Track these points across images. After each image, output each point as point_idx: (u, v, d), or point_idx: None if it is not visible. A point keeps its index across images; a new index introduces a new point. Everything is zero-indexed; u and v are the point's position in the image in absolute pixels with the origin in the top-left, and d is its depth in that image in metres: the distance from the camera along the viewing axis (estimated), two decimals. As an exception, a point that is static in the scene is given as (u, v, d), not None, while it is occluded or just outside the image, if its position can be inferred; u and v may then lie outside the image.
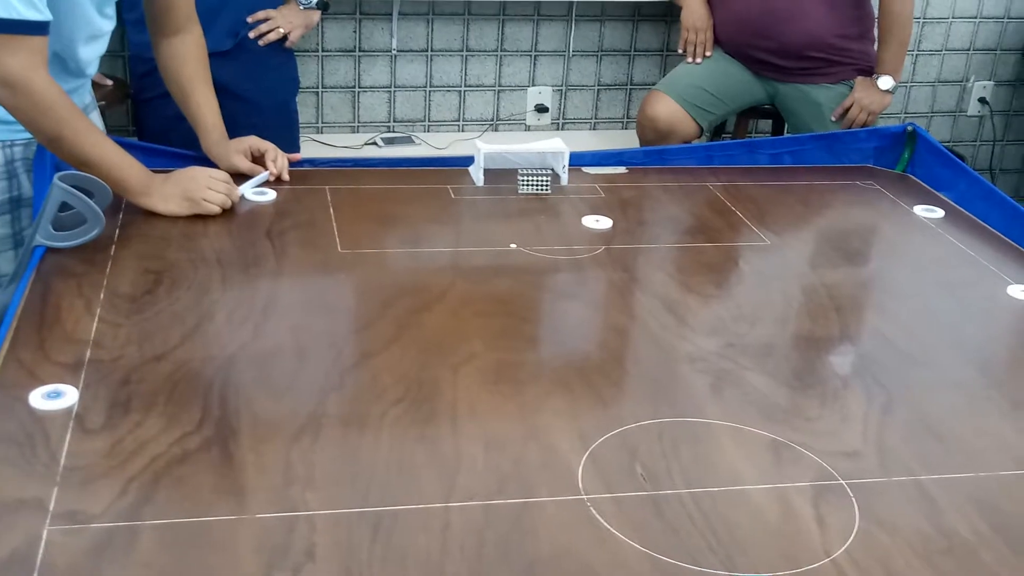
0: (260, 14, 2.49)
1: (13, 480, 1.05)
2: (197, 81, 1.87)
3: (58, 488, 1.04)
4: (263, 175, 1.83)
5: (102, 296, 1.41)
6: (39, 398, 1.17)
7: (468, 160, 1.93)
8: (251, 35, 2.49)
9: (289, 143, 2.29)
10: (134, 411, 1.17)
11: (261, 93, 2.51)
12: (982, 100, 3.76)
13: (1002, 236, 1.79)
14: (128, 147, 1.73)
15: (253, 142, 1.87)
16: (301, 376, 1.27)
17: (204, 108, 1.87)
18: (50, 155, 1.66)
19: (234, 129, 2.50)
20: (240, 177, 1.80)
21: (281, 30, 2.53)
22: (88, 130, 1.59)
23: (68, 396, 1.18)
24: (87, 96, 1.91)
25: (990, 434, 1.24)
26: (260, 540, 0.99)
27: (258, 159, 1.87)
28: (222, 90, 2.45)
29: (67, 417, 1.15)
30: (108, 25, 1.77)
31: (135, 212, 1.66)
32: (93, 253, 1.52)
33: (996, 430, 1.25)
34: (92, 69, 1.82)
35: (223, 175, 1.73)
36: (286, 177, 1.85)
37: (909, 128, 2.10)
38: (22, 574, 0.93)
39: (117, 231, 1.60)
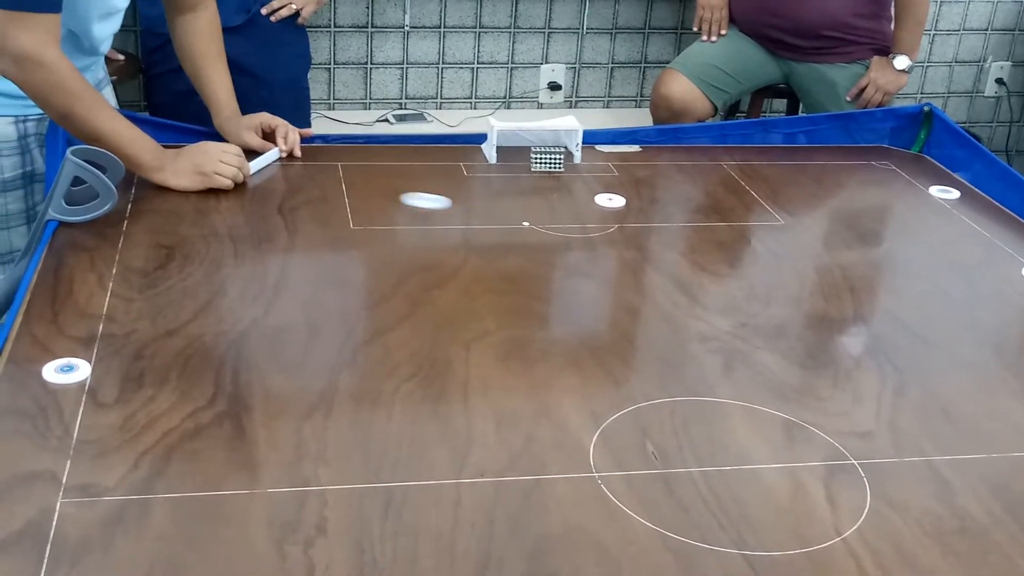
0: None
1: (27, 453, 1.06)
2: (210, 58, 1.87)
3: (71, 461, 1.04)
4: (274, 152, 1.82)
5: (114, 271, 1.41)
6: (52, 372, 1.18)
7: (480, 138, 1.93)
8: (263, 11, 2.48)
9: (300, 120, 2.28)
10: (147, 385, 1.17)
11: (272, 69, 2.50)
12: (999, 81, 3.73)
13: (1018, 217, 1.77)
14: (139, 122, 1.73)
15: (264, 119, 1.87)
16: (313, 352, 1.27)
17: (217, 85, 1.86)
18: (63, 130, 1.66)
19: (245, 105, 2.50)
20: (251, 153, 1.80)
21: (293, 6, 2.52)
22: (99, 106, 1.59)
23: (81, 370, 1.18)
24: (100, 72, 1.91)
25: (1003, 415, 1.23)
26: (272, 514, 0.99)
27: (269, 136, 1.86)
28: (233, 66, 2.44)
29: (80, 391, 1.15)
30: (122, 2, 1.77)
31: (147, 187, 1.66)
32: (105, 228, 1.52)
33: (1009, 411, 1.24)
34: (106, 47, 1.82)
35: (235, 148, 1.73)
36: (297, 153, 1.85)
37: (925, 108, 2.09)
38: (35, 546, 0.93)
39: (129, 206, 1.60)
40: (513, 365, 1.27)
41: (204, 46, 1.86)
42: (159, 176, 1.65)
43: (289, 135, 1.86)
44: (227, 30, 2.46)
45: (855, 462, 1.12)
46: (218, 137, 1.84)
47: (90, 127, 1.57)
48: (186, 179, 1.66)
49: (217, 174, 1.67)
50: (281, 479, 1.04)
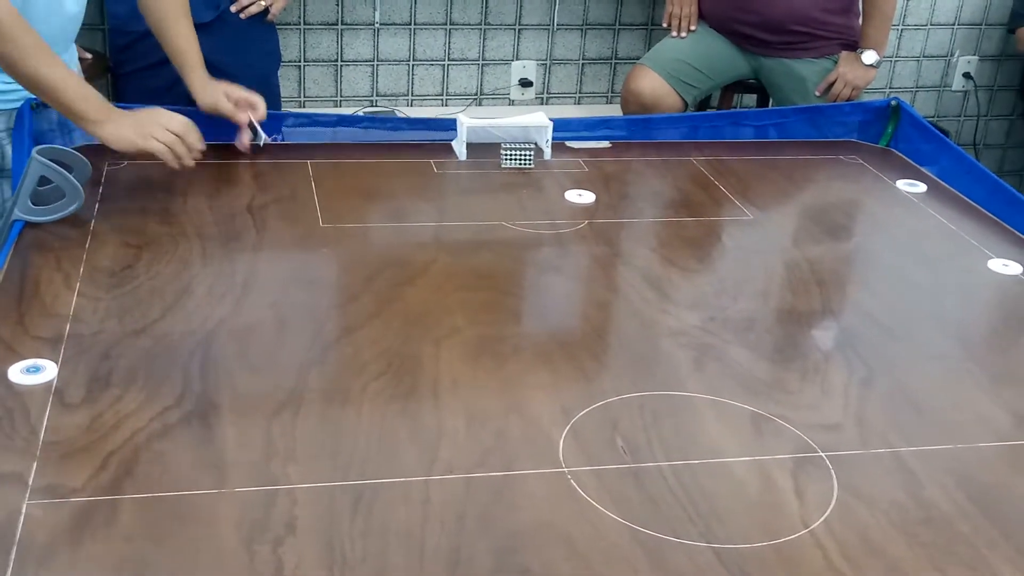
0: None
1: (-8, 455, 1.05)
2: (177, 15, 1.83)
3: (38, 463, 1.04)
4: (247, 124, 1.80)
5: (81, 270, 1.40)
6: (18, 373, 1.17)
7: (451, 124, 1.92)
8: (232, 8, 2.47)
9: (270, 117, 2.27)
10: (114, 385, 1.17)
11: (242, 67, 2.49)
12: (967, 75, 3.76)
13: (983, 210, 1.79)
14: None
15: (242, 93, 1.83)
16: (282, 351, 1.27)
17: (185, 43, 1.83)
18: (28, 127, 1.65)
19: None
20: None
21: (262, 3, 2.51)
22: (42, 51, 1.52)
23: (47, 371, 1.18)
24: (75, 71, 1.89)
25: (969, 407, 1.24)
26: (241, 514, 0.99)
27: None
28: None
29: (47, 392, 1.15)
30: (74, 7, 1.75)
31: (115, 186, 1.65)
32: (72, 227, 1.51)
33: (975, 403, 1.25)
34: (63, 47, 1.81)
35: (187, 123, 1.64)
36: (244, 144, 1.82)
37: (893, 103, 2.10)
38: (2, 548, 0.93)
39: (97, 205, 1.59)
40: (483, 362, 1.27)
41: (168, 3, 1.83)
42: (101, 131, 1.57)
43: (258, 107, 1.82)
44: (196, 27, 2.44)
45: (823, 454, 1.13)
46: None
47: (31, 71, 1.51)
48: (125, 138, 1.58)
49: (154, 138, 1.59)
50: (250, 478, 1.04)
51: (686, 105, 2.92)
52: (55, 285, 1.36)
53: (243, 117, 1.81)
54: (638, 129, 2.08)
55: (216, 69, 2.45)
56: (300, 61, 3.25)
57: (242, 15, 2.49)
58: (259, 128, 1.82)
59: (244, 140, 1.82)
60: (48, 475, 1.02)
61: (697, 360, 1.30)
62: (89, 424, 1.10)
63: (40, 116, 1.73)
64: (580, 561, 0.96)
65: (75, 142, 1.77)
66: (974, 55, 3.76)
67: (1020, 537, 1.02)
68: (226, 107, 1.79)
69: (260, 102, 1.85)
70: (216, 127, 1.85)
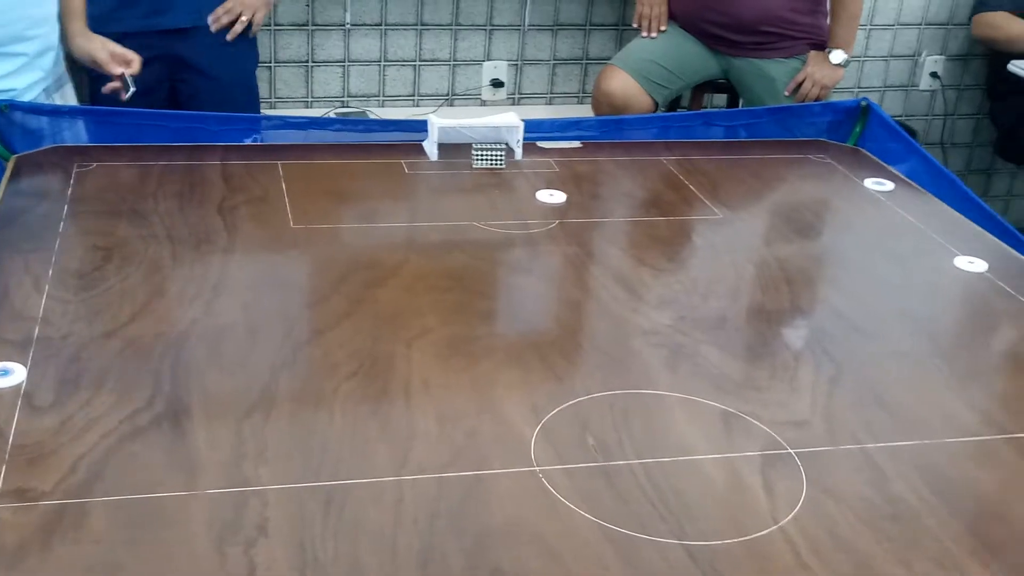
0: (219, 9, 2.47)
1: (-40, 459, 1.04)
2: None
3: (6, 466, 1.03)
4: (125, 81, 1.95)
5: (51, 273, 1.39)
6: (-14, 376, 1.16)
7: (422, 125, 1.92)
8: (213, 29, 2.46)
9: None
10: (84, 388, 1.16)
11: (225, 69, 2.50)
12: (934, 75, 3.80)
13: (949, 208, 1.81)
14: (82, 113, 1.72)
15: (118, 48, 1.96)
16: (253, 352, 1.27)
17: None
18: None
19: (198, 104, 2.49)
20: None
21: (244, 18, 2.50)
22: None
23: (16, 374, 1.17)
24: (60, 68, 1.91)
25: (935, 403, 1.26)
26: (212, 516, 0.99)
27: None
28: (185, 65, 2.44)
29: (15, 395, 1.14)
30: None
31: (84, 187, 1.64)
32: (41, 230, 1.50)
33: (940, 398, 1.27)
34: (32, 29, 1.80)
35: None
36: (112, 87, 1.95)
37: (862, 103, 2.12)
38: (-30, 553, 0.92)
39: (66, 207, 1.58)
40: (455, 362, 1.27)
41: None
42: None
43: (132, 63, 1.97)
44: (177, 31, 2.45)
45: (791, 451, 1.14)
46: (168, 132, 1.83)
47: None
48: None
49: None
50: (221, 480, 1.04)
51: (657, 105, 2.94)
52: (24, 288, 1.35)
53: (116, 69, 1.94)
54: (609, 130, 2.10)
55: (199, 72, 2.46)
56: (271, 62, 3.24)
57: (228, 37, 2.48)
58: (130, 81, 1.96)
59: (113, 85, 1.97)
60: (17, 479, 1.02)
61: (667, 359, 1.31)
62: (59, 427, 1.09)
63: (7, 119, 1.73)
64: (552, 559, 0.97)
65: (42, 145, 1.77)
66: (941, 55, 3.80)
67: (985, 531, 1.04)
68: (102, 56, 1.88)
69: (136, 58, 1.97)
70: (186, 129, 1.85)
